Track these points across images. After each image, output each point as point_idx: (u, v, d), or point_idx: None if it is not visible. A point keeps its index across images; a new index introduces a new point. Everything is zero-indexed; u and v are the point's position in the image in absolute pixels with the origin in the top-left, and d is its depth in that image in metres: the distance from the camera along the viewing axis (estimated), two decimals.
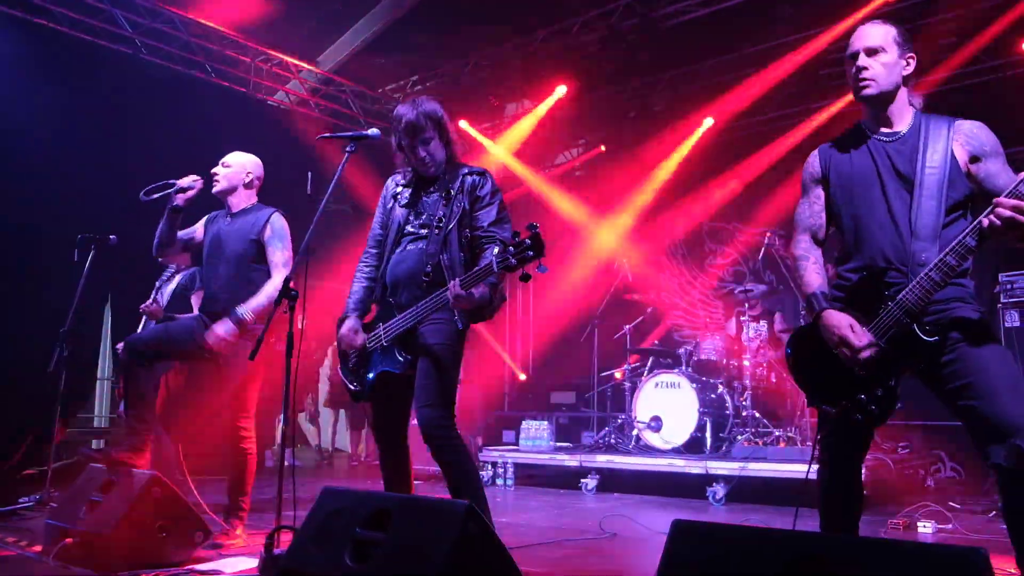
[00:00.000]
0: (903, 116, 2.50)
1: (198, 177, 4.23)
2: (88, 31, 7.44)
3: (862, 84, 2.47)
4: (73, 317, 5.23)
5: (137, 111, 7.39)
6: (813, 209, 2.65)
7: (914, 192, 2.38)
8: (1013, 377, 2.22)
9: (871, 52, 2.47)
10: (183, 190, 4.10)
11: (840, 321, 2.39)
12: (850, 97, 8.53)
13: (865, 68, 2.46)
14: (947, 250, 2.24)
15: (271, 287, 3.86)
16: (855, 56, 2.49)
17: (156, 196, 4.11)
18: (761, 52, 8.40)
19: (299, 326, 3.14)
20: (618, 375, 7.76)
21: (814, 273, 2.57)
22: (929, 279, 2.26)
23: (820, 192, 2.64)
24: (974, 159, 2.39)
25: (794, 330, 2.63)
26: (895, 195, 2.43)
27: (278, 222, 4.08)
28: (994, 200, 2.14)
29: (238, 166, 4.20)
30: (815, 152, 2.69)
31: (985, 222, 2.15)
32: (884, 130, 2.52)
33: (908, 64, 2.50)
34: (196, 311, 5.06)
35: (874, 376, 2.35)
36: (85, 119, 7.02)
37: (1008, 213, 2.09)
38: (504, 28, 8.52)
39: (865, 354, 2.33)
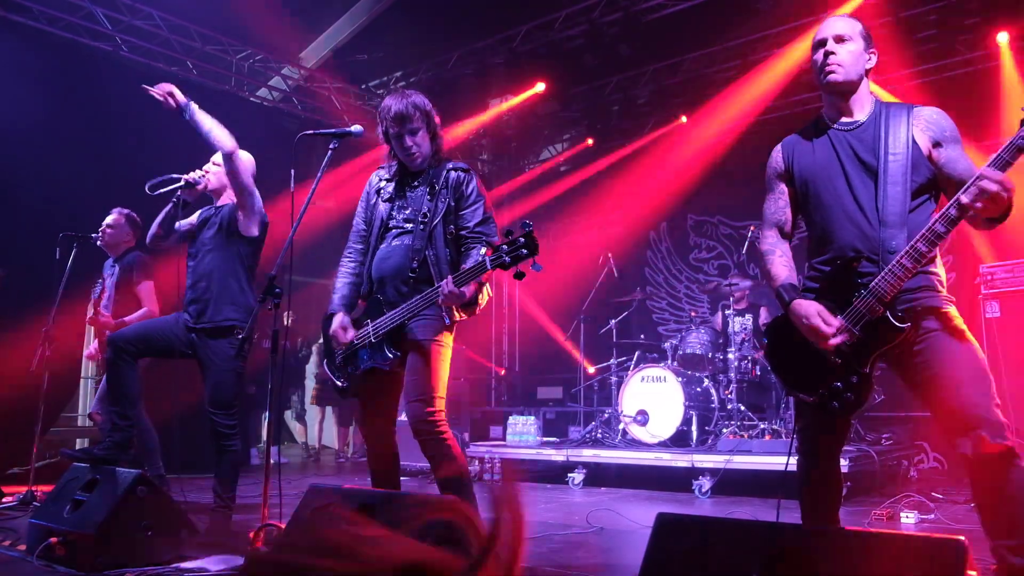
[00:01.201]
0: (863, 105, 2.52)
1: (206, 170, 4.24)
2: (68, 28, 7.37)
3: (829, 69, 2.49)
4: (55, 316, 5.19)
5: (118, 109, 7.32)
6: (778, 204, 2.66)
7: (878, 179, 2.40)
8: (978, 369, 2.25)
9: (839, 40, 2.49)
10: (191, 185, 4.11)
11: (809, 310, 2.40)
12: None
13: (833, 53, 2.48)
14: (917, 237, 2.25)
15: None
16: (823, 42, 2.52)
17: (162, 191, 4.08)
18: (743, 45, 8.45)
19: (286, 323, 3.14)
20: (591, 370, 7.82)
21: (781, 266, 2.60)
22: (901, 266, 2.27)
23: (784, 187, 2.65)
24: (936, 144, 2.41)
25: (770, 322, 2.64)
26: (860, 184, 2.44)
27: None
28: (980, 172, 2.15)
29: None
30: (777, 147, 2.71)
31: (965, 199, 2.15)
32: (845, 119, 2.53)
33: (870, 58, 2.54)
34: (149, 301, 5.01)
35: (848, 364, 2.36)
36: (66, 117, 6.96)
37: (995, 187, 2.11)
38: (486, 23, 8.51)
39: (835, 340, 2.34)
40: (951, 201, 2.21)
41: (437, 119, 3.20)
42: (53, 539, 3.16)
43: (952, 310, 2.37)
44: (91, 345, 5.41)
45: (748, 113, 9.10)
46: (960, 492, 5.36)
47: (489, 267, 2.72)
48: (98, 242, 5.27)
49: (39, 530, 3.31)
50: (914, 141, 2.40)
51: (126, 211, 5.42)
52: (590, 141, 10.27)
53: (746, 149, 9.10)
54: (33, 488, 4.91)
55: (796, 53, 8.14)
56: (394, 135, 3.12)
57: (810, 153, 2.58)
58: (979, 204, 2.14)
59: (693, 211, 9.99)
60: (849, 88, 2.51)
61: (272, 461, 3.41)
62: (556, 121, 10.55)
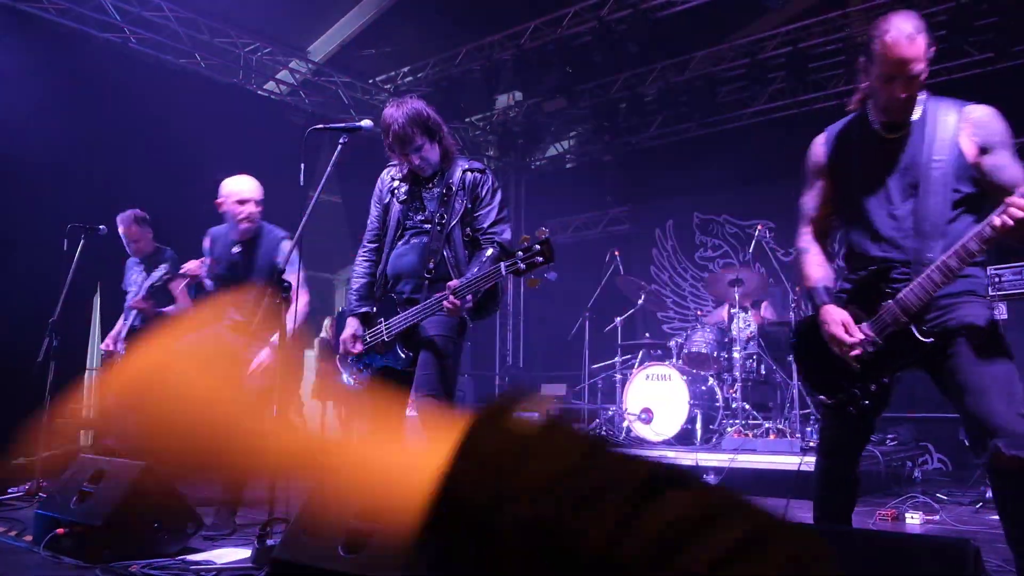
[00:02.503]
0: (913, 109, 2.34)
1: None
2: (77, 19, 7.37)
3: (895, 109, 2.31)
4: (62, 307, 5.20)
5: (126, 100, 7.33)
6: (816, 201, 2.57)
7: (919, 187, 2.29)
8: (1005, 378, 2.20)
9: (911, 81, 2.25)
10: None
11: (834, 318, 2.36)
12: (838, 90, 8.51)
13: (906, 99, 2.28)
14: (949, 252, 2.19)
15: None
16: (894, 81, 2.25)
17: None
18: (751, 43, 8.42)
19: (292, 320, 3.14)
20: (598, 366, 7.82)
21: (815, 266, 2.53)
22: (929, 280, 2.21)
23: (823, 183, 2.55)
24: (983, 150, 2.26)
25: (801, 320, 2.62)
26: (899, 191, 2.34)
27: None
28: (1006, 200, 2.08)
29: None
30: (818, 139, 2.58)
31: (997, 221, 2.08)
32: (891, 121, 2.36)
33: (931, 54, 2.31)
34: (183, 298, 5.05)
35: (869, 372, 2.34)
36: (74, 108, 6.96)
37: (1020, 213, 2.03)
38: (495, 20, 8.50)
39: (855, 352, 2.32)
40: (984, 221, 2.14)
41: (439, 121, 3.14)
42: (60, 530, 3.17)
43: (988, 315, 2.30)
44: (116, 335, 5.40)
45: (755, 112, 9.09)
46: (965, 494, 5.35)
47: (504, 273, 2.72)
48: (133, 254, 5.48)
49: (46, 521, 3.32)
50: (959, 147, 2.27)
51: (130, 214, 5.45)
52: (603, 139, 10.21)
53: (754, 148, 9.09)
54: (39, 480, 4.92)
55: (803, 51, 8.12)
56: (399, 154, 3.09)
57: (851, 153, 2.46)
58: (1011, 225, 2.05)
59: (699, 209, 9.98)
60: None
61: None
62: (563, 118, 10.53)
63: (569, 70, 8.70)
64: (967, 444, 5.01)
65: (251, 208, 4.24)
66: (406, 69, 9.65)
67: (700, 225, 10.03)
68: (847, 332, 2.33)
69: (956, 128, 2.28)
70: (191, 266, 4.40)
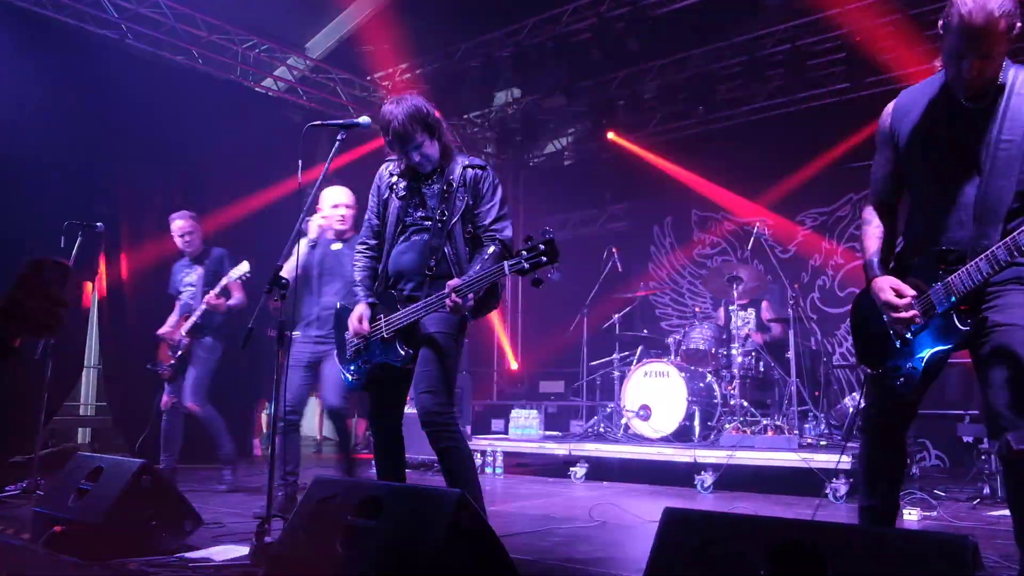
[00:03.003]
0: (993, 80, 2.19)
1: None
2: (74, 15, 7.36)
3: (972, 92, 2.19)
4: None
5: (124, 97, 7.32)
6: (883, 171, 2.51)
7: (984, 169, 2.18)
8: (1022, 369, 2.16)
9: (985, 57, 2.11)
10: None
11: (883, 284, 2.36)
12: (838, 87, 8.52)
13: (978, 77, 2.14)
14: (999, 244, 2.11)
15: None
16: (964, 57, 2.12)
17: None
18: (750, 41, 8.42)
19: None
20: (596, 363, 7.82)
21: (874, 238, 2.49)
22: (977, 269, 2.15)
23: (889, 153, 2.46)
24: None
25: (860, 292, 2.56)
26: (965, 171, 2.22)
27: None
28: None
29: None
30: (890, 105, 2.46)
31: None
32: (961, 86, 2.20)
33: (1015, 35, 2.12)
34: (240, 293, 5.44)
35: (911, 351, 2.34)
36: (71, 105, 6.94)
37: None
38: (493, 16, 8.49)
39: (906, 314, 2.29)
40: None
41: (438, 118, 3.12)
42: (57, 528, 3.17)
43: None
44: (176, 329, 5.65)
45: (753, 110, 9.09)
46: (962, 490, 5.36)
47: (507, 272, 2.72)
48: (186, 251, 5.72)
49: (43, 519, 3.31)
50: None
51: (184, 213, 5.75)
52: (610, 135, 10.18)
53: (752, 145, 9.09)
54: (37, 477, 4.92)
55: (801, 49, 8.11)
56: (399, 151, 3.07)
57: (921, 123, 2.34)
58: None
59: (697, 206, 9.98)
60: None
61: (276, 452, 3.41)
62: (561, 115, 10.53)
63: (562, 65, 8.69)
64: (985, 432, 4.98)
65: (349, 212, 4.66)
66: (404, 66, 9.64)
67: (698, 222, 10.03)
68: (898, 295, 2.31)
69: None
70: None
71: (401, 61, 9.59)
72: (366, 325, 3.08)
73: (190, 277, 5.71)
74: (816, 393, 6.78)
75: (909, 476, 6.25)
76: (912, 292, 2.29)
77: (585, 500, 5.20)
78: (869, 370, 2.45)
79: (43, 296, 1.56)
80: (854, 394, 6.51)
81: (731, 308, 6.89)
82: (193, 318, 5.47)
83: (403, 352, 3.00)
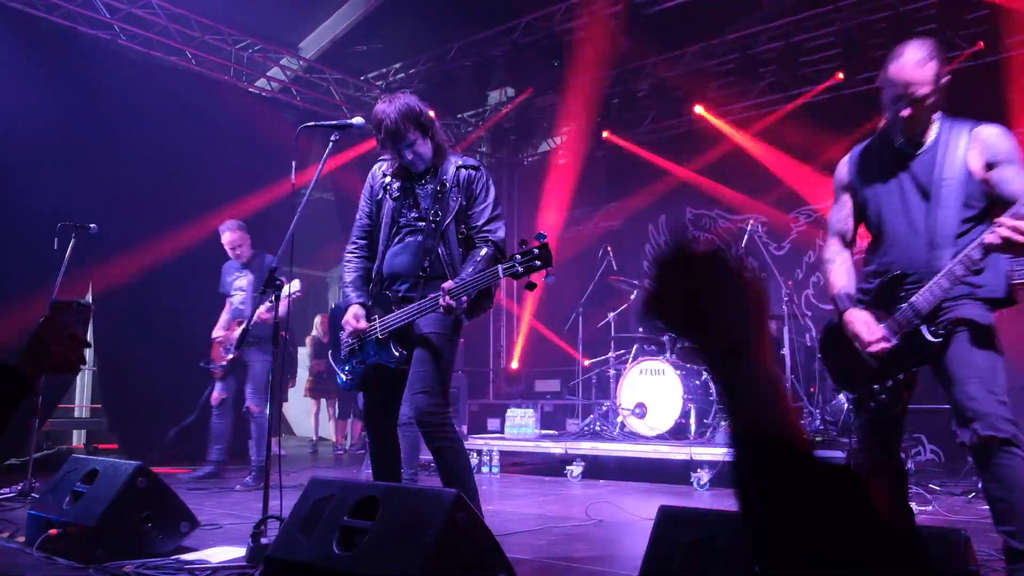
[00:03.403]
0: (930, 129, 2.56)
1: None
2: (65, 16, 7.33)
3: (908, 134, 2.54)
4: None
5: (117, 98, 7.30)
6: (841, 214, 2.79)
7: (932, 202, 2.51)
8: (986, 368, 2.41)
9: (918, 104, 2.46)
10: None
11: (856, 318, 2.59)
12: (830, 83, 8.52)
13: (913, 120, 2.49)
14: (955, 260, 2.39)
15: None
16: (900, 102, 2.47)
17: None
18: (744, 38, 8.43)
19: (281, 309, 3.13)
20: (586, 363, 7.82)
21: (840, 274, 2.74)
22: (939, 286, 2.42)
23: (847, 199, 2.77)
24: (989, 166, 2.46)
25: (827, 323, 2.80)
26: (915, 205, 2.56)
27: None
28: (995, 220, 2.27)
29: None
30: (844, 159, 2.81)
31: (987, 238, 2.28)
32: (909, 141, 2.57)
33: (944, 88, 2.49)
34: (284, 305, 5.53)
35: (886, 369, 2.55)
36: (64, 106, 6.93)
37: (1006, 232, 2.21)
38: (487, 15, 8.49)
39: (874, 348, 2.52)
40: (979, 237, 2.33)
41: (431, 116, 3.12)
42: (52, 531, 3.16)
43: (983, 315, 2.47)
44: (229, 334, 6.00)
45: (746, 107, 9.10)
46: (957, 484, 5.38)
47: (501, 276, 2.72)
48: (238, 260, 5.98)
49: (38, 522, 3.31)
50: (967, 167, 2.47)
51: (233, 223, 5.97)
52: (604, 134, 10.14)
53: (746, 143, 9.10)
54: (32, 480, 4.91)
55: (795, 47, 8.12)
56: (391, 150, 3.07)
57: (873, 171, 2.68)
58: (998, 244, 2.24)
59: (691, 204, 9.99)
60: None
61: (273, 453, 3.41)
62: (555, 114, 10.52)
63: (556, 63, 8.69)
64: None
65: None
66: (398, 65, 9.63)
67: (692, 220, 10.04)
68: (869, 330, 2.55)
69: (966, 148, 2.48)
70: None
71: (395, 61, 9.59)
72: (363, 323, 3.08)
73: (240, 282, 5.97)
74: (811, 389, 6.80)
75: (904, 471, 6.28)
76: (881, 330, 2.54)
77: (581, 498, 5.20)
78: (849, 395, 2.68)
79: (67, 338, 1.65)
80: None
81: None
82: (245, 325, 5.61)
83: (397, 353, 3.00)
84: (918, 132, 2.53)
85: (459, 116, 10.46)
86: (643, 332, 7.57)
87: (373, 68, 9.75)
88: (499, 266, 2.72)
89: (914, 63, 2.42)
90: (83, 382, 9.42)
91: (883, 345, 2.51)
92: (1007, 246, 2.23)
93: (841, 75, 8.21)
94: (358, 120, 3.26)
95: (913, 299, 2.47)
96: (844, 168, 2.78)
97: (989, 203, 2.47)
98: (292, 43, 9.08)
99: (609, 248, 7.97)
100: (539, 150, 11.63)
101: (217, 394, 5.95)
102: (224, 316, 6.03)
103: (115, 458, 4.04)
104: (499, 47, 8.84)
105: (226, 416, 6.01)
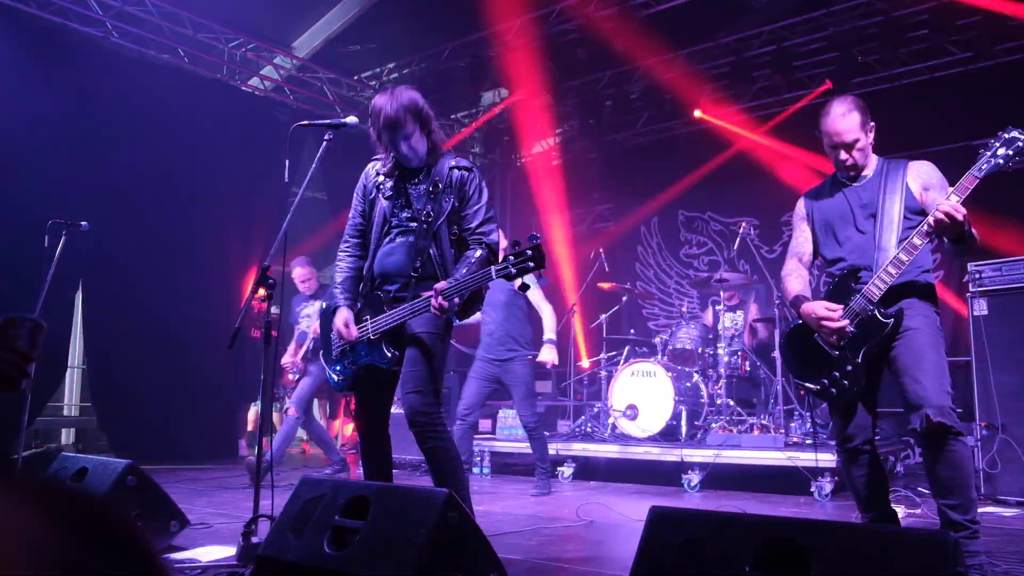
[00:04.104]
0: (869, 164, 3.07)
1: None
2: (58, 13, 7.30)
3: (847, 168, 3.04)
4: (43, 304, 5.15)
5: (109, 96, 7.27)
6: (799, 241, 3.25)
7: (877, 215, 2.96)
8: (936, 362, 2.79)
9: (849, 148, 2.97)
10: None
11: (817, 307, 2.94)
12: (822, 88, 8.57)
13: (848, 160, 3.00)
14: (899, 248, 2.82)
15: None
16: (836, 149, 3.00)
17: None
18: (736, 42, 8.46)
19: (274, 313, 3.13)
20: (586, 364, 7.82)
21: (795, 282, 3.16)
22: (887, 272, 2.82)
23: (806, 227, 3.24)
24: (925, 189, 2.97)
25: (787, 327, 3.17)
26: (864, 222, 3.01)
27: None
28: (936, 205, 2.71)
29: None
30: (801, 199, 3.32)
31: (930, 219, 2.71)
32: (855, 175, 3.08)
33: (871, 132, 3.01)
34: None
35: (844, 356, 2.90)
36: (55, 103, 6.89)
37: (940, 215, 2.65)
38: (481, 16, 8.49)
39: (840, 323, 2.86)
40: (923, 220, 2.79)
41: (430, 114, 3.11)
42: None
43: (927, 309, 2.91)
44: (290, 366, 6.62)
45: (739, 111, 9.13)
46: None
47: (494, 277, 2.72)
48: (306, 292, 6.62)
49: None
50: (908, 188, 2.96)
51: (302, 259, 6.60)
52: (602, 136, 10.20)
53: (737, 146, 9.13)
54: None
55: (787, 51, 8.15)
56: (387, 141, 3.04)
57: (827, 202, 3.17)
58: (941, 219, 2.65)
59: (684, 207, 10.01)
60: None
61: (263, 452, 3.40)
62: (548, 115, 10.53)
63: (550, 66, 8.70)
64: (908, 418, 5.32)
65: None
66: (391, 65, 9.62)
67: (685, 222, 10.07)
68: (832, 311, 2.89)
69: (904, 175, 2.99)
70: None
71: (388, 60, 9.58)
72: (353, 331, 3.07)
73: (308, 310, 6.58)
74: (801, 392, 6.82)
75: (894, 474, 6.31)
76: (839, 307, 2.90)
77: (572, 499, 5.21)
78: (811, 386, 2.97)
79: (9, 353, 1.63)
80: None
81: (718, 308, 6.92)
82: (308, 344, 6.34)
83: (389, 354, 3.00)
84: (858, 168, 3.03)
85: (452, 117, 10.46)
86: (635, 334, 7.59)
87: (367, 68, 9.74)
88: (492, 268, 2.72)
89: (839, 116, 2.96)
90: (72, 380, 9.37)
91: (845, 323, 2.86)
92: (947, 224, 2.64)
93: (830, 82, 8.25)
94: (352, 119, 3.25)
95: (865, 288, 2.85)
96: (802, 203, 3.28)
97: (922, 219, 2.86)
98: (285, 42, 9.06)
99: (601, 250, 7.98)
100: (532, 151, 11.64)
101: (294, 410, 6.39)
102: (292, 344, 6.63)
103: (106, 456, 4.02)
104: (493, 48, 8.84)
105: (311, 421, 6.62)
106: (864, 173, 3.06)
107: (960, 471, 2.75)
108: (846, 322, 2.86)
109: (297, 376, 6.49)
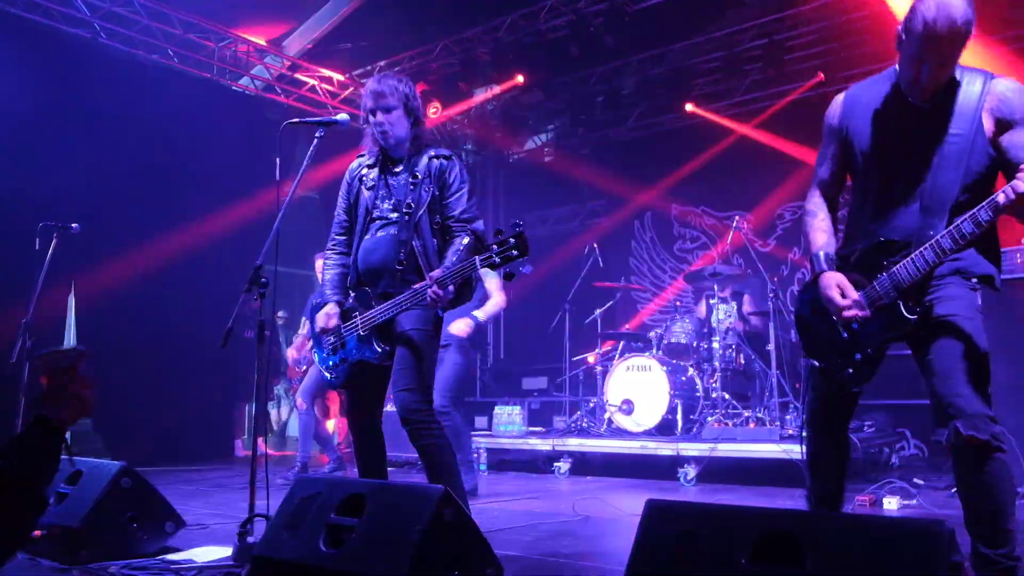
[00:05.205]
0: (937, 94, 2.28)
1: None
2: (44, 14, 7.25)
3: (923, 97, 2.26)
4: (35, 307, 5.12)
5: (98, 97, 7.23)
6: (827, 162, 2.55)
7: (932, 162, 2.25)
8: (972, 360, 2.21)
9: (944, 63, 2.19)
10: None
11: (829, 281, 2.37)
12: (811, 83, 8.56)
13: (929, 85, 2.22)
14: (943, 233, 2.17)
15: None
16: (919, 67, 2.19)
17: None
18: (727, 36, 8.46)
19: (279, 320, 3.12)
20: (591, 359, 7.81)
21: (820, 231, 2.51)
22: (922, 258, 2.21)
23: (836, 146, 2.51)
24: (1002, 126, 2.21)
25: (805, 283, 2.58)
26: (914, 164, 2.29)
27: None
28: (1018, 176, 2.03)
29: None
30: (839, 98, 2.52)
31: (1001, 198, 2.04)
32: (917, 89, 2.27)
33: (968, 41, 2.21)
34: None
35: (856, 342, 2.38)
36: (44, 105, 6.85)
37: (1023, 188, 1.98)
38: (471, 13, 8.48)
39: (848, 313, 2.32)
40: (987, 200, 2.08)
41: (418, 103, 3.15)
42: (36, 532, 3.13)
43: (971, 300, 2.29)
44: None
45: (731, 104, 9.14)
46: (941, 479, 5.43)
47: (479, 266, 2.71)
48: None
49: None
50: (980, 122, 2.21)
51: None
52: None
53: (730, 140, 9.15)
54: None
55: (779, 44, 8.17)
56: (369, 110, 3.10)
57: (871, 119, 2.40)
58: (1012, 200, 2.01)
59: (677, 201, 10.02)
60: None
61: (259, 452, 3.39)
62: (540, 111, 10.53)
63: (540, 61, 8.70)
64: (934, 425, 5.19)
65: None
66: (383, 63, 9.60)
67: (678, 217, 10.08)
68: (842, 295, 2.34)
69: (979, 101, 2.22)
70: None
71: (380, 58, 9.56)
72: (334, 321, 3.09)
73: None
74: (797, 385, 6.84)
75: (889, 466, 6.33)
76: (855, 294, 2.33)
77: (569, 495, 5.21)
78: (816, 363, 2.48)
79: (86, 383, 1.83)
80: None
81: (712, 302, 6.92)
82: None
83: (379, 349, 3.00)
84: (925, 98, 2.26)
85: (444, 113, 10.44)
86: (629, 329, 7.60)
87: (358, 66, 9.71)
88: (476, 257, 2.72)
89: (951, 22, 2.10)
90: None
91: (856, 312, 2.31)
92: (1020, 202, 1.99)
93: (822, 75, 8.27)
94: (343, 117, 3.25)
95: (894, 269, 2.27)
96: (838, 109, 2.49)
97: (990, 171, 2.25)
98: (277, 41, 9.03)
99: (595, 245, 7.98)
100: (524, 148, 11.63)
101: (301, 401, 6.43)
102: (299, 337, 6.74)
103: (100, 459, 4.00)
104: (484, 44, 8.83)
105: (310, 414, 6.56)
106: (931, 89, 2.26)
107: (990, 496, 2.18)
108: (856, 312, 2.30)
109: (305, 367, 6.53)
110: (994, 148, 2.23)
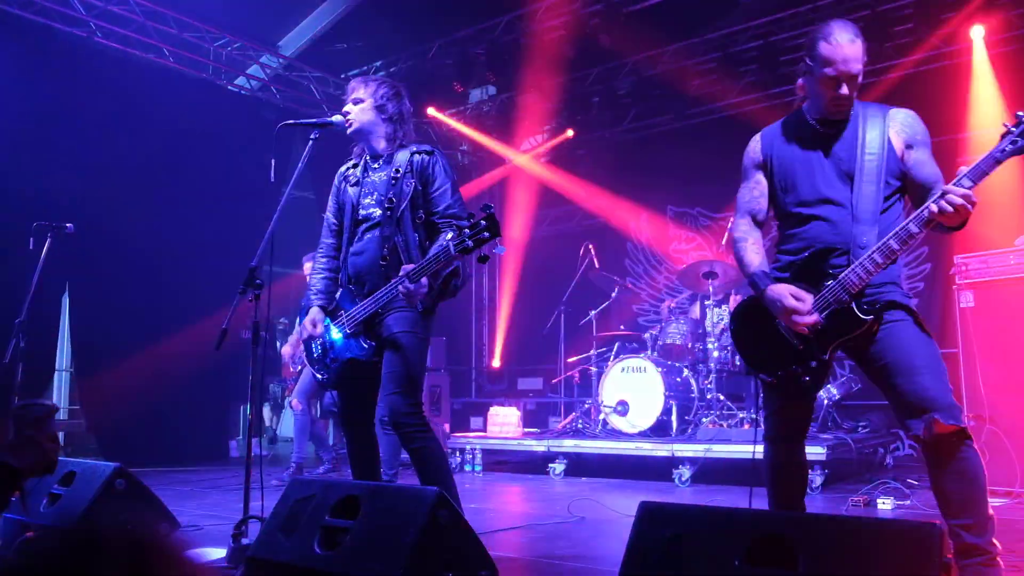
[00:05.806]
0: (851, 105, 2.56)
1: None
2: (41, 13, 7.23)
3: (839, 110, 2.52)
4: (29, 307, 5.11)
5: (93, 96, 7.22)
6: (753, 193, 2.72)
7: (855, 178, 2.48)
8: (932, 357, 2.37)
9: (853, 81, 2.45)
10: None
11: (782, 292, 2.46)
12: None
13: (847, 96, 2.47)
14: (890, 234, 2.35)
15: None
16: (838, 82, 2.45)
17: None
18: (723, 37, 8.48)
19: (278, 325, 3.12)
20: (573, 359, 7.84)
21: (754, 253, 2.65)
22: (872, 260, 2.37)
23: (761, 177, 2.71)
24: (908, 146, 2.50)
25: (738, 304, 2.70)
26: (836, 181, 2.52)
27: None
28: (944, 188, 2.26)
29: None
30: (756, 137, 2.76)
31: (934, 208, 2.25)
32: (826, 118, 2.57)
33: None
34: None
35: (809, 350, 2.47)
36: (39, 104, 6.84)
37: (959, 200, 2.20)
38: (467, 13, 8.48)
39: (809, 319, 2.41)
40: (924, 205, 2.30)
41: (394, 102, 3.20)
42: (29, 534, 3.12)
43: (910, 304, 2.48)
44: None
45: (726, 105, 9.15)
46: None
47: (453, 252, 2.72)
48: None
49: (14, 525, 3.26)
50: (889, 142, 2.48)
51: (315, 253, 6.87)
52: (570, 132, 10.26)
53: (727, 141, 9.15)
54: None
55: (773, 45, 8.18)
56: (350, 91, 3.22)
57: (791, 148, 2.63)
58: (948, 211, 2.23)
59: (673, 202, 10.03)
60: None
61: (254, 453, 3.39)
62: (536, 112, 10.52)
63: (536, 62, 8.70)
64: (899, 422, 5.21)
65: None
66: (378, 63, 9.59)
67: (674, 218, 10.09)
68: (802, 303, 2.43)
69: (885, 126, 2.50)
70: None
71: (375, 59, 9.55)
72: (320, 327, 3.10)
73: None
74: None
75: (883, 466, 6.35)
76: (809, 296, 2.44)
77: (564, 496, 5.22)
78: (766, 378, 2.55)
79: (51, 439, 1.85)
80: (828, 386, 6.57)
81: (707, 303, 6.93)
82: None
83: (366, 346, 3.02)
84: (845, 111, 2.52)
85: (440, 114, 10.44)
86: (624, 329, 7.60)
87: (354, 66, 9.70)
88: (450, 244, 2.72)
89: (848, 41, 2.42)
90: (60, 383, 9.32)
91: (816, 318, 2.41)
92: (952, 214, 2.22)
93: None
94: (338, 118, 3.25)
95: (843, 275, 2.41)
96: (758, 144, 2.73)
97: (903, 183, 2.51)
98: (272, 41, 9.02)
99: (591, 246, 7.98)
100: (520, 149, 11.62)
101: (296, 402, 6.50)
102: (294, 336, 6.75)
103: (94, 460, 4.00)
104: (480, 45, 8.83)
105: (306, 420, 6.65)
106: (839, 118, 2.56)
107: (974, 484, 2.30)
108: (817, 316, 2.41)
109: (299, 367, 6.53)
110: (902, 164, 2.50)
